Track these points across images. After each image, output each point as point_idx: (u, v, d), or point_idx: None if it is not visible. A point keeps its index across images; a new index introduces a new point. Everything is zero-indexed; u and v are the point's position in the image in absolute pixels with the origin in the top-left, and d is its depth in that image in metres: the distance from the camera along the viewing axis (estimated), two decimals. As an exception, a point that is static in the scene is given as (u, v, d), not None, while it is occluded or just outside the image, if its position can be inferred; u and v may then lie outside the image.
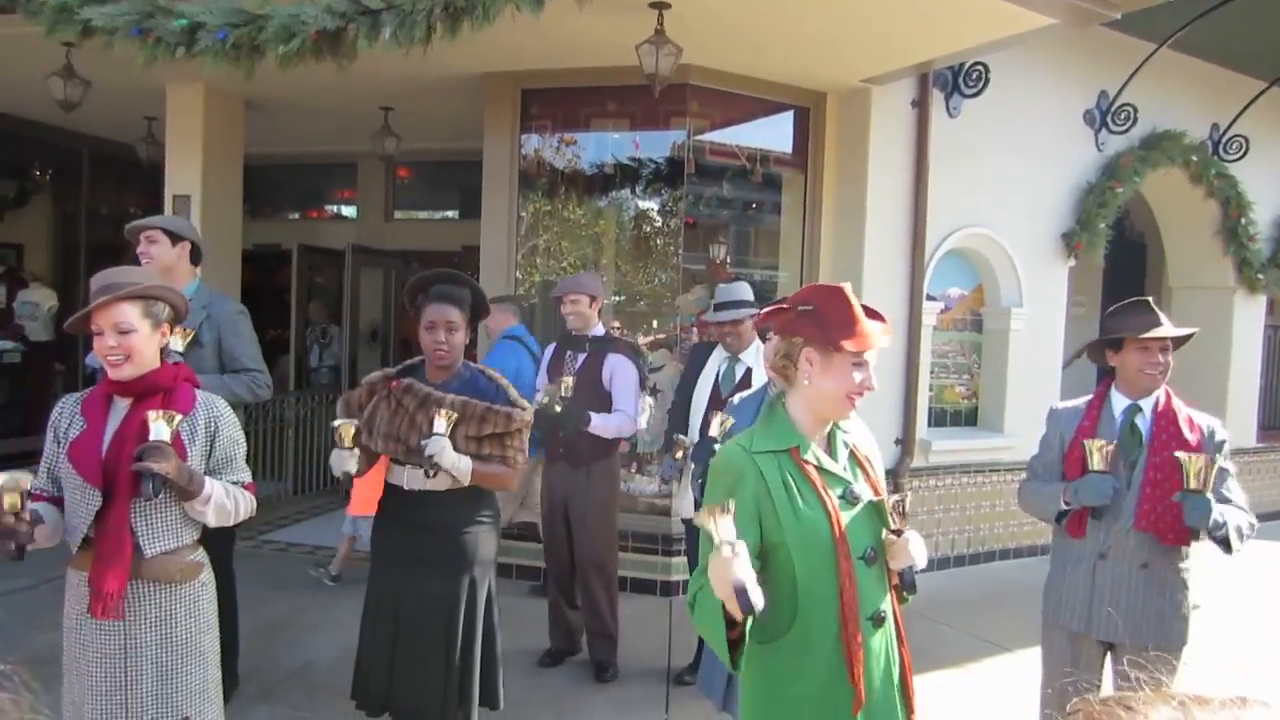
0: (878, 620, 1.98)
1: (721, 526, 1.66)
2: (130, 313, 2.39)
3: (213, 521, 2.48)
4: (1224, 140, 7.79)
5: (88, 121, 7.12)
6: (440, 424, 2.96)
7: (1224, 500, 2.79)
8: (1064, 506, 2.90)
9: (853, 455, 2.06)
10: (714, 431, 3.31)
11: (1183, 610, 2.87)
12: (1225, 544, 2.68)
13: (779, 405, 2.05)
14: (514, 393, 3.25)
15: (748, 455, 1.98)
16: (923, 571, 2.04)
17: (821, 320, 1.96)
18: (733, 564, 1.62)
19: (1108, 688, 2.98)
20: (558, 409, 4.19)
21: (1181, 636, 2.87)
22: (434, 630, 3.15)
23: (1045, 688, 3.08)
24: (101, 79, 5.68)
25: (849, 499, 1.99)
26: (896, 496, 1.99)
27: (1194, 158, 7.45)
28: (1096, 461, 2.79)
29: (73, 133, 7.82)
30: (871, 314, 2.02)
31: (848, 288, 2.01)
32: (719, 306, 4.26)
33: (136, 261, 3.66)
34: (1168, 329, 2.90)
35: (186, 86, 6.31)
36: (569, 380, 4.26)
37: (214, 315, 3.82)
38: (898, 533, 1.97)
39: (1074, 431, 2.98)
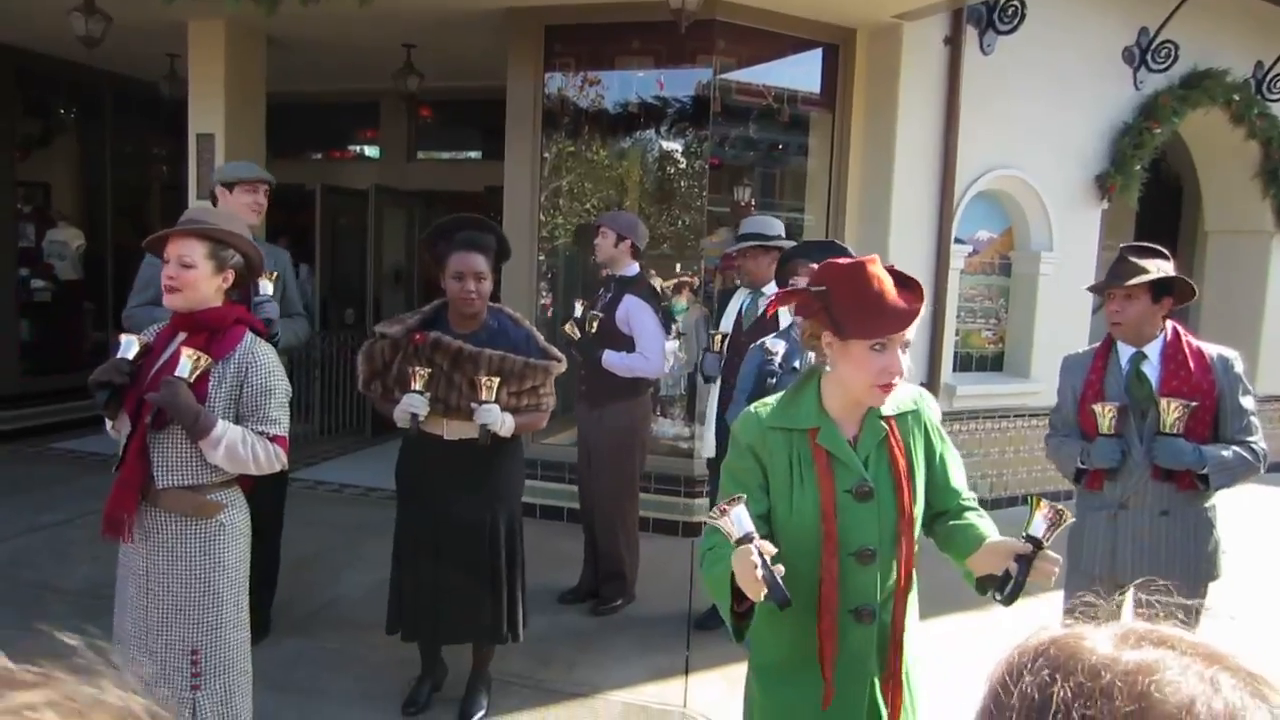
0: (861, 615, 1.85)
1: (735, 520, 1.60)
2: (196, 249, 2.46)
3: (225, 465, 2.49)
4: (1268, 79, 7.54)
5: (110, 59, 7.08)
6: (486, 393, 2.99)
7: (1240, 439, 2.81)
8: (1081, 466, 2.98)
9: (885, 443, 1.88)
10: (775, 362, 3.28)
11: (1208, 548, 2.89)
12: (1205, 481, 2.79)
13: (813, 380, 1.92)
14: (541, 339, 3.24)
15: (760, 429, 1.90)
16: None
17: (834, 305, 1.79)
18: (756, 560, 1.54)
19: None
20: (576, 336, 4.22)
21: (1209, 572, 2.90)
22: (477, 555, 3.18)
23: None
24: (123, 15, 5.63)
25: (857, 494, 1.84)
26: (1052, 505, 1.70)
27: (1236, 97, 7.21)
28: (1105, 425, 2.85)
29: (95, 70, 7.77)
30: (903, 282, 1.80)
31: (872, 264, 1.80)
32: (738, 239, 4.32)
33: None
34: (1136, 279, 2.80)
35: (208, 23, 6.23)
36: (598, 316, 4.27)
37: (279, 262, 3.97)
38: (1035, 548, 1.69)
39: (1083, 385, 2.99)
